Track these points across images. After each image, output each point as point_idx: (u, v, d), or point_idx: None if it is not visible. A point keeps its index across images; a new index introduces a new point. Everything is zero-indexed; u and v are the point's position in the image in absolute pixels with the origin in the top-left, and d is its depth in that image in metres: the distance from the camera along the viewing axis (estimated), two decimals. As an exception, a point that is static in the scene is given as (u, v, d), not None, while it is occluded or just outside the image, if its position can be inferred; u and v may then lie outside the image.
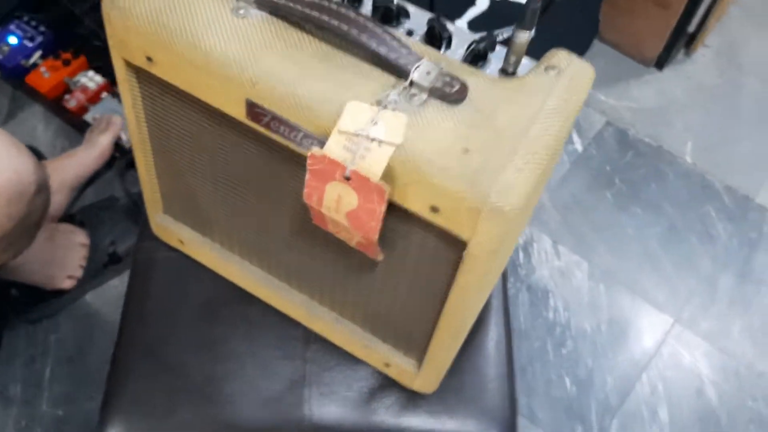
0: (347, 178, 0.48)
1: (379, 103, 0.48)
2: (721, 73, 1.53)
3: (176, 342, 0.71)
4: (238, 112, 0.52)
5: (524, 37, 0.50)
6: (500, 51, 0.53)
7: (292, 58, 0.50)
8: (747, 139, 1.45)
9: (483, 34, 0.53)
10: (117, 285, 1.21)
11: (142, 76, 0.57)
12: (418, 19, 0.54)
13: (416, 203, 0.49)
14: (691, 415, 1.15)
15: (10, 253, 0.82)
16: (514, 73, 0.52)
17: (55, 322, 1.16)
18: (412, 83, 0.49)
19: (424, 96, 0.48)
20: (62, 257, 1.14)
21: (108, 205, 1.23)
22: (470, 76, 0.50)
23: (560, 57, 0.52)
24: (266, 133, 0.52)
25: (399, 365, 0.67)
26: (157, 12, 0.51)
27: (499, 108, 0.49)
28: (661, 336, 1.21)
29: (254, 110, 0.51)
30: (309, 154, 0.48)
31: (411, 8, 0.55)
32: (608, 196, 1.35)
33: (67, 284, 1.15)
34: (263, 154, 0.56)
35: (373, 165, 0.47)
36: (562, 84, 0.51)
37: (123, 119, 1.28)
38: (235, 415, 0.69)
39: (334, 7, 0.49)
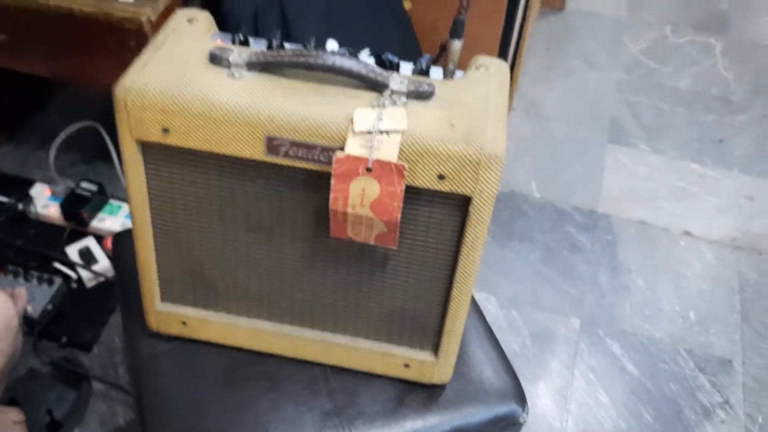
0: (369, 170, 0.60)
1: (376, 106, 0.61)
2: (533, 125, 1.84)
3: (208, 417, 0.74)
4: (257, 152, 0.62)
5: (458, 45, 0.67)
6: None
7: (293, 96, 0.62)
8: (571, 167, 1.74)
9: (426, 57, 0.68)
10: (61, 454, 1.14)
11: (151, 153, 0.65)
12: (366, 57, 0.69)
13: (425, 177, 0.61)
14: (624, 390, 1.30)
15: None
16: (452, 76, 0.68)
17: None
18: (392, 91, 0.62)
19: (404, 98, 0.62)
20: (-1, 440, 1.07)
21: (33, 377, 1.18)
22: (429, 81, 0.65)
23: (483, 59, 0.69)
24: (284, 162, 0.62)
25: (418, 360, 0.76)
26: (169, 87, 0.61)
27: (459, 96, 0.64)
28: (575, 335, 1.38)
29: (273, 143, 0.61)
30: (335, 158, 0.59)
31: (362, 54, 0.69)
32: (489, 239, 1.54)
33: (10, 467, 1.07)
34: (274, 193, 0.66)
35: (389, 150, 0.59)
36: (493, 74, 0.67)
37: (26, 291, 1.26)
38: (286, 460, 0.72)
39: (312, 52, 0.62)
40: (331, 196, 0.61)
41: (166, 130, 0.62)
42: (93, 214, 1.40)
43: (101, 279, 1.33)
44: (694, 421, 1.26)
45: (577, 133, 1.84)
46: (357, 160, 0.59)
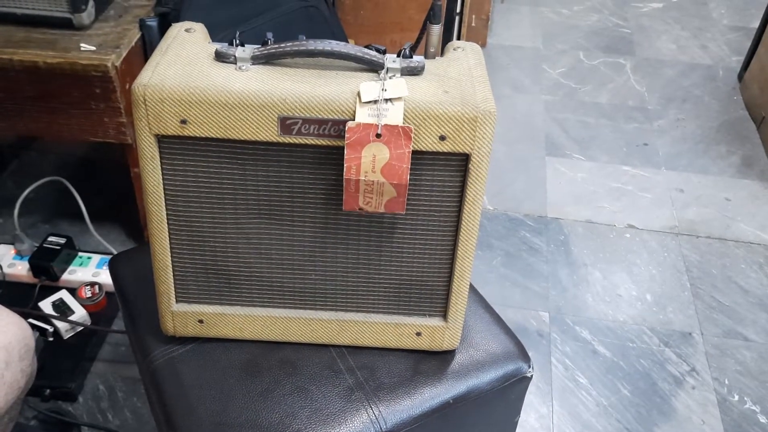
0: (378, 136, 0.66)
1: (378, 80, 0.68)
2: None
3: (236, 406, 0.76)
4: (271, 133, 0.67)
5: (437, 29, 0.75)
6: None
7: (300, 80, 0.68)
8: (516, 180, 1.85)
9: (409, 44, 0.76)
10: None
11: (167, 148, 0.69)
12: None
13: (427, 139, 0.68)
14: (600, 370, 1.38)
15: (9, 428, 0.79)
16: (434, 58, 0.76)
17: None
18: (388, 69, 0.69)
19: (398, 75, 0.70)
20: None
21: (21, 431, 1.15)
22: (418, 59, 0.72)
23: (457, 43, 0.77)
24: (296, 140, 0.68)
25: (429, 327, 0.80)
26: (185, 79, 0.66)
27: (446, 71, 0.72)
28: (547, 327, 1.45)
29: (286, 123, 0.67)
30: (347, 128, 0.65)
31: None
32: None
33: None
34: (285, 174, 0.71)
35: (395, 116, 0.66)
36: (469, 53, 0.76)
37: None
38: (318, 436, 0.74)
39: (311, 42, 0.69)
40: (345, 165, 0.67)
41: (183, 122, 0.67)
42: (63, 268, 1.39)
43: (79, 329, 1.32)
44: (668, 390, 1.34)
45: (517, 151, 1.96)
46: (367, 127, 0.66)
